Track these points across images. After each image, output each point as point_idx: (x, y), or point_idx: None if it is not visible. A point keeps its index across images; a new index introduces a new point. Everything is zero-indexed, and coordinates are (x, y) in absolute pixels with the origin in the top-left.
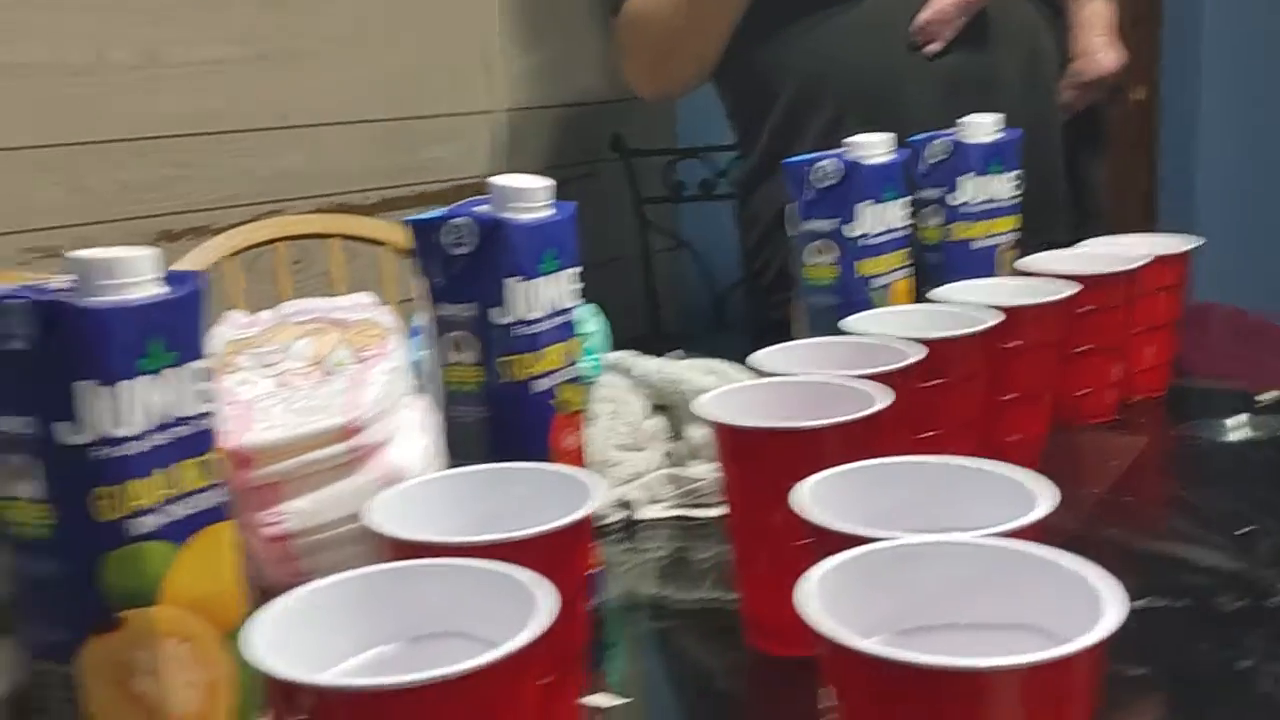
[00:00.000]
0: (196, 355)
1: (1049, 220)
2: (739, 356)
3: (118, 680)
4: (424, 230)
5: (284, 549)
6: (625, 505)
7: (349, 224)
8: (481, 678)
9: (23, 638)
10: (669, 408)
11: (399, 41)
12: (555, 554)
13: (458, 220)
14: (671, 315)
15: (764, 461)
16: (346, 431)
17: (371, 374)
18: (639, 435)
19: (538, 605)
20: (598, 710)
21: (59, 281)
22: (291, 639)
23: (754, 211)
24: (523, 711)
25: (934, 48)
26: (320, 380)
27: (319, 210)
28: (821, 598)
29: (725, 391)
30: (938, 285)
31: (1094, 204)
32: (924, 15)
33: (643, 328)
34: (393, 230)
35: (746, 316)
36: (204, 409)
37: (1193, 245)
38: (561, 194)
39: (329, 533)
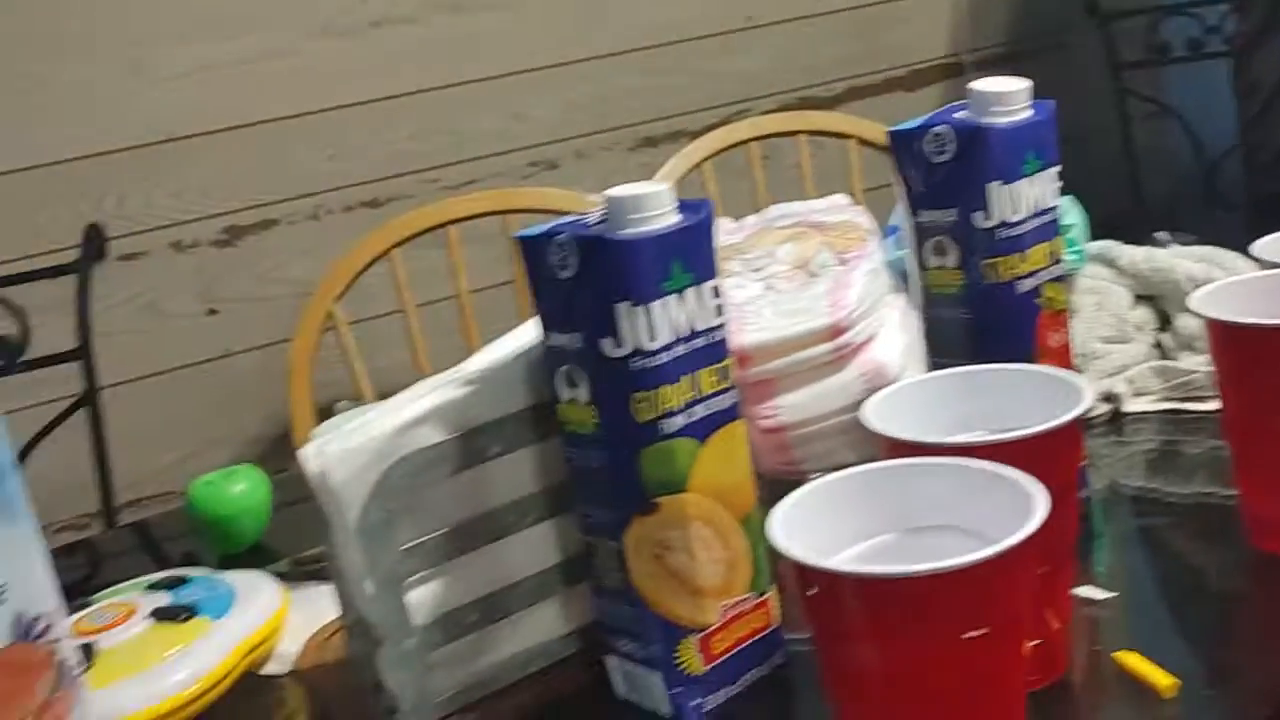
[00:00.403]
0: (710, 275)
1: None
2: (1232, 238)
3: (655, 555)
4: (904, 139)
5: (779, 439)
6: (1110, 398)
7: (816, 120)
8: (981, 571)
9: (578, 518)
10: (1156, 298)
11: None
12: (1046, 453)
13: (938, 128)
14: (1153, 191)
15: (1264, 359)
16: (833, 331)
17: (853, 275)
18: (1124, 327)
19: (1033, 503)
20: (1088, 601)
21: (592, 216)
22: (804, 526)
23: (1254, 76)
24: (1019, 601)
25: None
26: (804, 282)
27: (783, 107)
28: None
29: (1225, 285)
30: None
31: None
32: None
33: (1121, 206)
34: (858, 124)
35: (1245, 191)
36: (717, 322)
37: None
38: (1028, 68)
39: (818, 425)
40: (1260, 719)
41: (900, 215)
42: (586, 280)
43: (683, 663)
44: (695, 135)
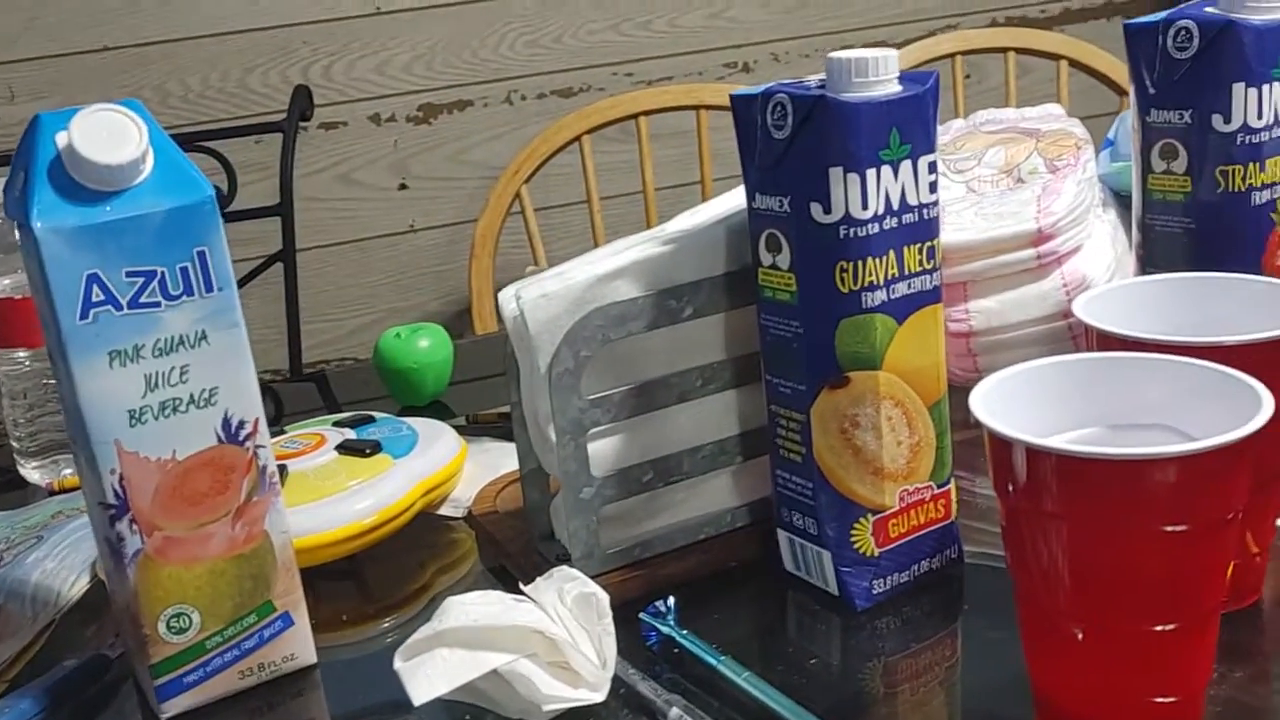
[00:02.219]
0: (928, 149)
1: None
2: None
3: (841, 430)
4: (1142, 33)
5: (965, 345)
6: None
7: (1025, 37)
8: (1192, 463)
9: (766, 387)
10: None
11: None
12: (1271, 364)
13: (1182, 22)
14: None
15: None
16: (1038, 238)
17: (1064, 183)
18: None
19: (1259, 406)
20: None
21: (812, 80)
22: (1006, 408)
23: None
24: (1226, 505)
25: None
26: (1010, 188)
27: (994, 25)
28: None
29: None
30: None
31: None
32: None
33: None
34: (1072, 44)
35: None
36: (931, 199)
37: None
38: None
39: (1010, 334)
40: None
41: (1117, 130)
42: (801, 142)
43: (856, 543)
44: (898, 48)
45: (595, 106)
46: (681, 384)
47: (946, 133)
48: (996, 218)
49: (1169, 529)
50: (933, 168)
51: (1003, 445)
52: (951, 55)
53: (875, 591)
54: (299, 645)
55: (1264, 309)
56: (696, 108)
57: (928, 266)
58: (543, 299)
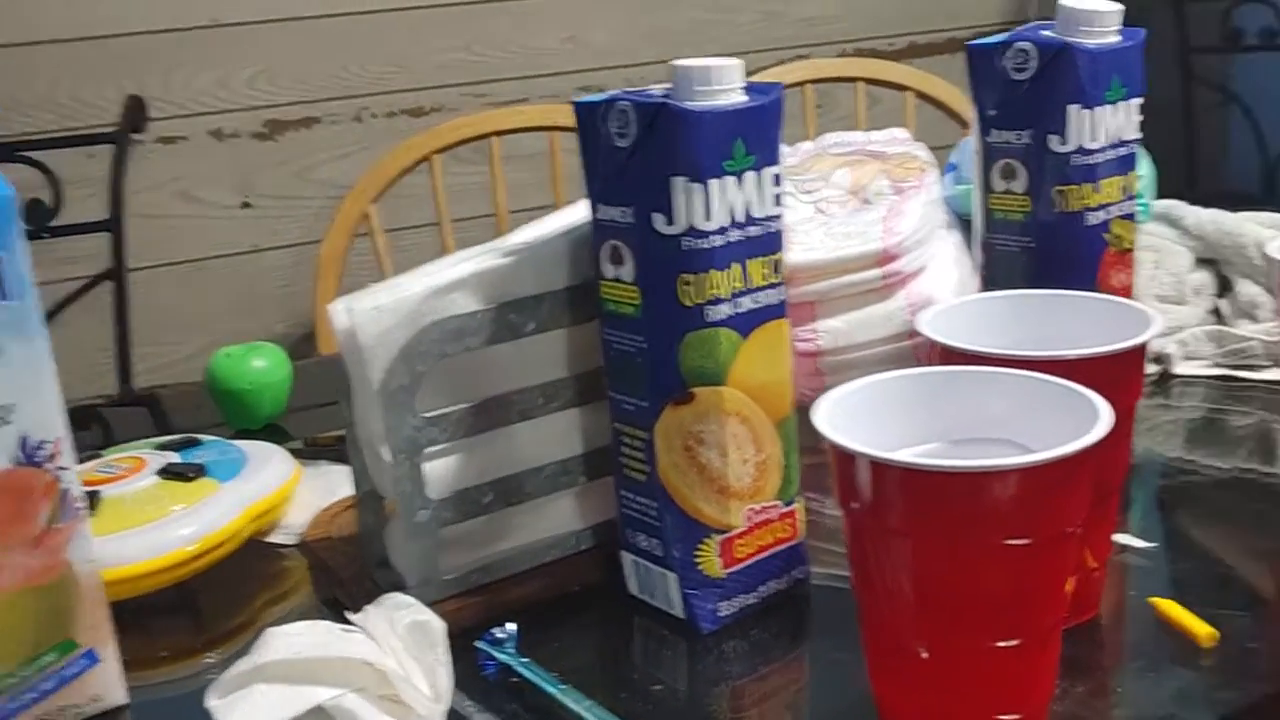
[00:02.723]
0: (773, 161)
1: None
2: None
3: (686, 447)
4: (983, 54)
5: (813, 364)
6: (1160, 359)
7: (874, 68)
8: (1033, 475)
9: (609, 404)
10: (1219, 262)
11: None
12: (1109, 378)
13: (1021, 44)
14: (1212, 180)
15: None
16: (883, 257)
17: (910, 204)
18: (1182, 288)
19: (1097, 418)
20: (1126, 548)
21: (656, 88)
22: (849, 422)
23: None
24: (1066, 518)
25: None
26: (857, 208)
27: (844, 55)
28: None
29: None
30: None
31: None
32: None
33: (1178, 192)
34: (919, 76)
35: None
36: (775, 212)
37: None
38: None
39: (857, 354)
40: None
41: (960, 153)
42: (644, 150)
43: (702, 564)
44: (751, 75)
45: (447, 125)
46: (523, 401)
47: (795, 154)
48: (844, 237)
49: (1011, 543)
50: (778, 180)
51: (846, 459)
52: (802, 84)
53: (722, 614)
54: (106, 685)
55: (1101, 325)
56: (551, 129)
57: (773, 280)
58: (375, 311)
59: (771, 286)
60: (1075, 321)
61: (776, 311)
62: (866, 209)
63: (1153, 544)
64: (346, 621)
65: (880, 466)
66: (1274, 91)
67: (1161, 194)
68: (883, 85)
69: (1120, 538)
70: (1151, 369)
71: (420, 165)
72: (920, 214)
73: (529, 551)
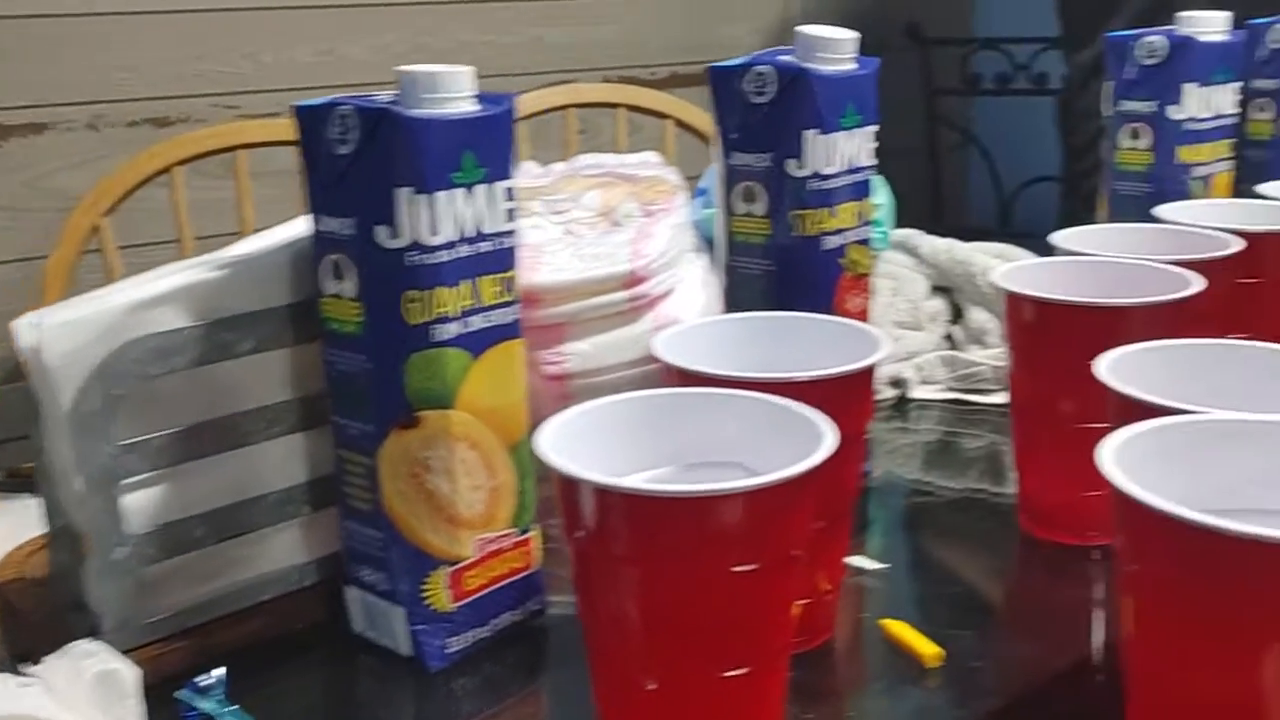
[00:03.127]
0: (504, 175)
1: None
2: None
3: (413, 474)
4: (724, 76)
5: (561, 388)
6: (898, 383)
7: (638, 95)
8: (758, 499)
9: (332, 429)
10: (952, 290)
11: None
12: (839, 400)
13: (760, 68)
14: (955, 215)
15: (1060, 338)
16: (630, 280)
17: (658, 227)
18: (918, 314)
19: (821, 440)
20: (859, 570)
21: (384, 94)
22: (575, 448)
23: (1088, 105)
24: (793, 542)
25: None
26: (607, 230)
27: (607, 82)
28: (1123, 463)
29: (1022, 266)
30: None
31: None
32: None
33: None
34: (679, 104)
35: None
36: (508, 227)
37: None
38: None
39: (606, 376)
40: (1022, 692)
41: (709, 178)
42: (367, 158)
43: (429, 598)
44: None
45: (191, 136)
46: (242, 426)
47: (547, 175)
48: (593, 259)
49: (738, 569)
50: (510, 194)
51: (570, 485)
52: (564, 108)
53: (451, 650)
54: None
55: (836, 348)
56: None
57: (506, 299)
58: (65, 327)
59: (504, 305)
60: (810, 344)
61: (510, 331)
62: (616, 231)
63: (886, 565)
64: (22, 673)
65: (604, 493)
66: (1008, 133)
67: (908, 227)
68: (644, 113)
69: (854, 560)
70: (891, 393)
71: (161, 177)
72: (668, 237)
73: (247, 589)
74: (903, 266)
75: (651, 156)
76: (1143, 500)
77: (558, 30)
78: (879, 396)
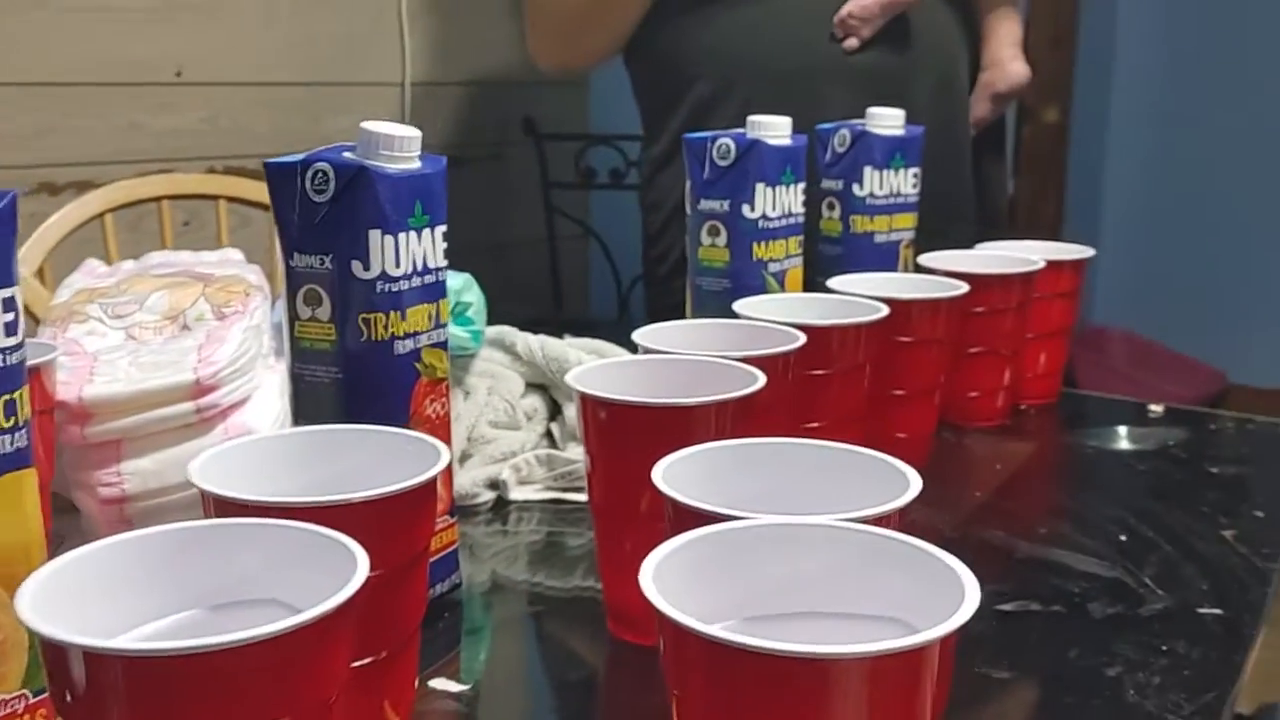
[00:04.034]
0: (9, 282)
1: (953, 222)
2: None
3: None
4: (281, 174)
5: (120, 512)
6: (496, 485)
7: (239, 186)
8: (279, 646)
9: None
10: (549, 387)
11: (305, 4)
12: (389, 522)
13: (319, 164)
14: (576, 305)
15: (629, 438)
16: (198, 389)
17: (230, 331)
18: (515, 413)
19: (356, 571)
20: (443, 694)
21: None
22: (76, 601)
23: (657, 197)
24: (330, 686)
25: (852, 43)
26: (174, 335)
27: (211, 172)
28: (666, 578)
29: (601, 366)
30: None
31: (997, 209)
32: (847, 8)
33: (542, 318)
34: None
35: (646, 307)
36: (9, 343)
37: (1087, 255)
38: (467, 174)
39: (172, 496)
40: None
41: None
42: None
43: None
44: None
45: None
46: None
47: (114, 274)
48: (154, 367)
49: None
50: (9, 305)
51: (57, 652)
52: (160, 198)
53: None
54: None
55: (398, 462)
56: None
57: (5, 425)
58: None
59: (8, 431)
60: (371, 459)
61: (15, 461)
62: (184, 335)
63: (466, 686)
64: None
65: (95, 657)
66: (623, 225)
67: (526, 323)
68: (247, 204)
69: (435, 683)
70: (488, 495)
71: None
72: (240, 340)
73: None
74: (499, 364)
75: (234, 254)
76: (668, 614)
77: (155, 116)
78: (478, 500)
